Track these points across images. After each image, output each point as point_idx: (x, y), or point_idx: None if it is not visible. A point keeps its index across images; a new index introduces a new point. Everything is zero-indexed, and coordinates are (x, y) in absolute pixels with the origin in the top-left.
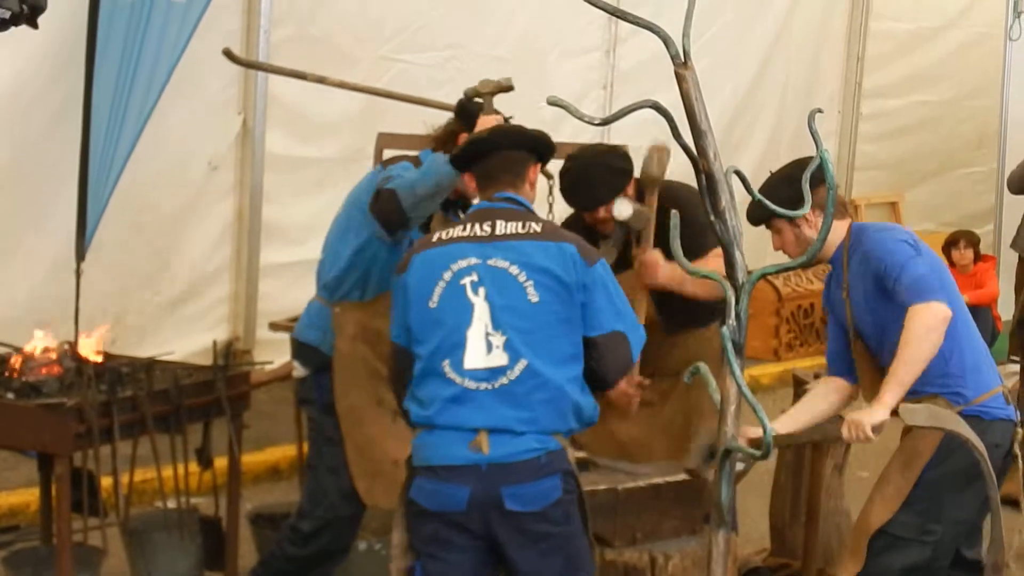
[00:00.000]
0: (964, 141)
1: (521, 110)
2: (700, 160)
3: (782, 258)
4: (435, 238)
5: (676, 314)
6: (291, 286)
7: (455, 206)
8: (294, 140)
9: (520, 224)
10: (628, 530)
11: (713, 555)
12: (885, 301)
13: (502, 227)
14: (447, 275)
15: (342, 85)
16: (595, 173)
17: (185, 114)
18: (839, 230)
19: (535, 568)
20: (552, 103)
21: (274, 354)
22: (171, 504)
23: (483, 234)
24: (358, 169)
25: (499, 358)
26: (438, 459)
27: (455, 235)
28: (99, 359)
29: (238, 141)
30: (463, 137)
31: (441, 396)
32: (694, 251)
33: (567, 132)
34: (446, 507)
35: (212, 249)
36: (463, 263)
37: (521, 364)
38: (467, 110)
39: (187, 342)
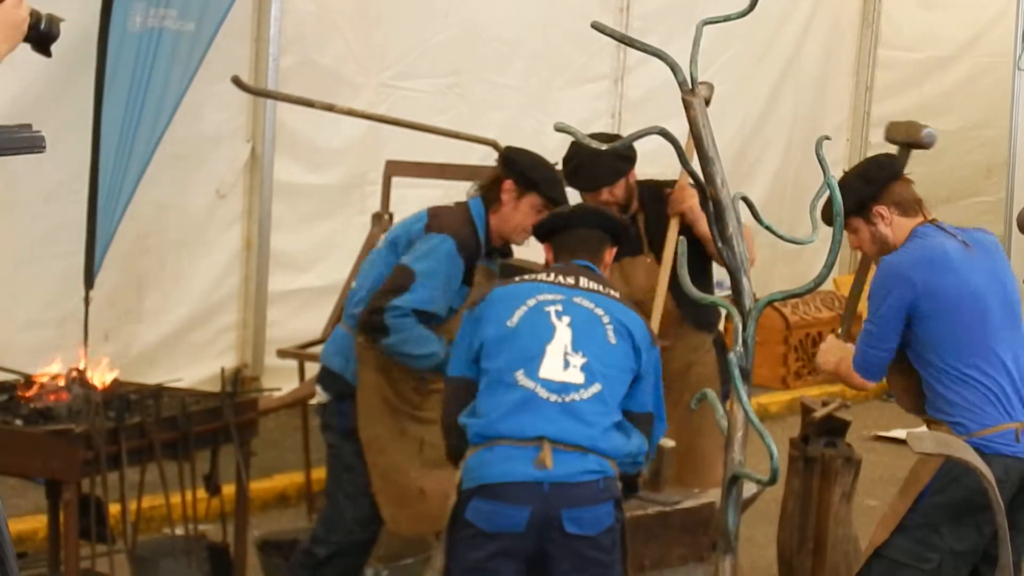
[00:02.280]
0: (972, 170)
1: (526, 138)
2: (708, 187)
3: (788, 285)
4: (517, 278)
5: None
6: (299, 313)
7: (498, 252)
8: (300, 167)
9: (601, 285)
10: (636, 558)
11: None
12: None
13: (585, 282)
14: (531, 302)
15: (351, 113)
16: (598, 156)
17: (194, 142)
18: (906, 227)
19: None
20: (559, 129)
21: (282, 381)
22: (179, 531)
23: (567, 283)
24: (360, 195)
25: (575, 376)
26: (498, 476)
27: (539, 277)
28: (107, 386)
29: (247, 169)
30: (507, 183)
31: (507, 402)
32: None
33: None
34: (504, 528)
35: (220, 277)
36: (548, 296)
37: (595, 388)
38: (512, 158)
39: (195, 369)
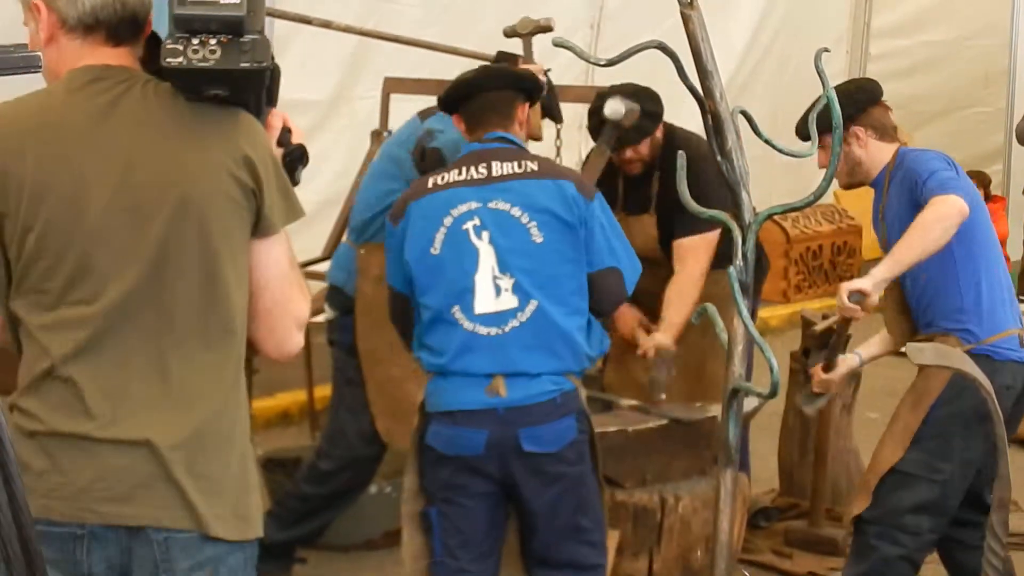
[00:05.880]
0: (971, 80)
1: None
2: (706, 101)
3: (787, 199)
4: (430, 183)
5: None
6: (299, 230)
7: None
8: (292, 83)
9: (516, 164)
10: (638, 471)
11: (721, 494)
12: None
13: (498, 168)
14: (448, 220)
15: (347, 30)
16: None
17: None
18: (886, 152)
19: (549, 509)
20: (558, 44)
21: None
22: None
23: (480, 176)
24: (349, 112)
25: (509, 301)
26: (454, 404)
27: (451, 179)
28: None
29: None
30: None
31: (453, 344)
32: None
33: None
34: (464, 451)
35: None
36: (463, 208)
37: (532, 305)
38: (505, 60)
39: None
